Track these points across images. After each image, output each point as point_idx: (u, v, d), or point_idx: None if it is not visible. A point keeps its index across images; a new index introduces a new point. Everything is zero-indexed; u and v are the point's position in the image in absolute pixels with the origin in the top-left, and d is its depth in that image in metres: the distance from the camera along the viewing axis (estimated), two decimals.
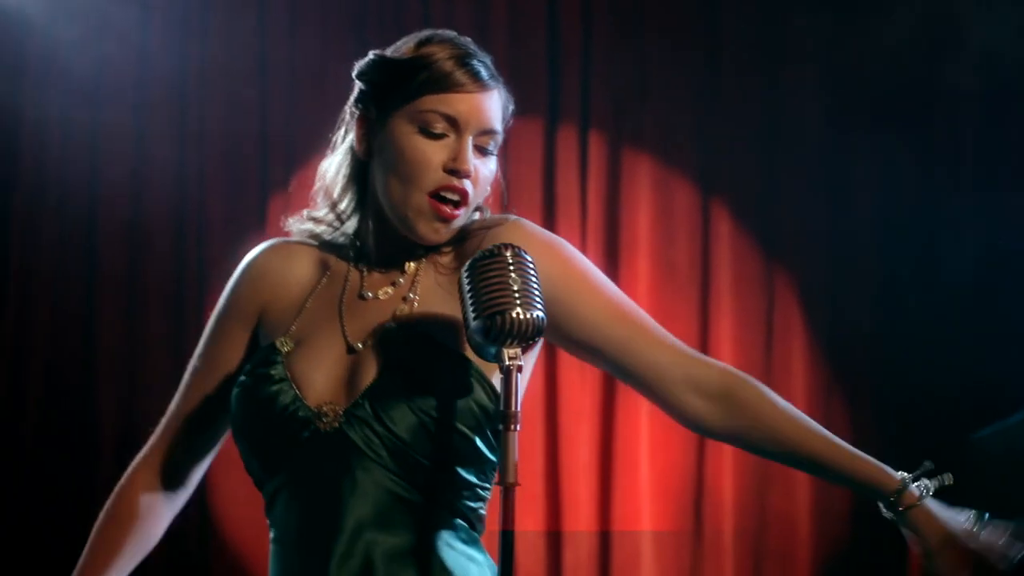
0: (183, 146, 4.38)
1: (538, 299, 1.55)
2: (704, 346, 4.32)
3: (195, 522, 4.28)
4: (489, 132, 1.77)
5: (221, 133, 4.40)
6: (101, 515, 1.97)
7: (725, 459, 4.30)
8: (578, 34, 4.40)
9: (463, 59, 1.76)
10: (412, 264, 1.80)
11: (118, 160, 4.36)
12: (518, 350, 1.53)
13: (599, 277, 1.85)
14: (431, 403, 1.66)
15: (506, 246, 1.58)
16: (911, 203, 4.36)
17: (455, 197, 1.74)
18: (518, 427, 1.51)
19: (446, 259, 1.81)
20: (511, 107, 1.85)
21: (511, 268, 1.56)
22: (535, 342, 1.57)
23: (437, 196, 1.73)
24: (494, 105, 1.78)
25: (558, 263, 1.78)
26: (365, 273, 1.82)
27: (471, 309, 1.55)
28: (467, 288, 1.57)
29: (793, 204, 4.39)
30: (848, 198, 4.39)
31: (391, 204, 1.76)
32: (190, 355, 4.54)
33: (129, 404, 4.33)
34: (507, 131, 1.86)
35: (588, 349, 1.82)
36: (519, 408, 1.52)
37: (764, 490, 4.33)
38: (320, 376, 1.74)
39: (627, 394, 4.25)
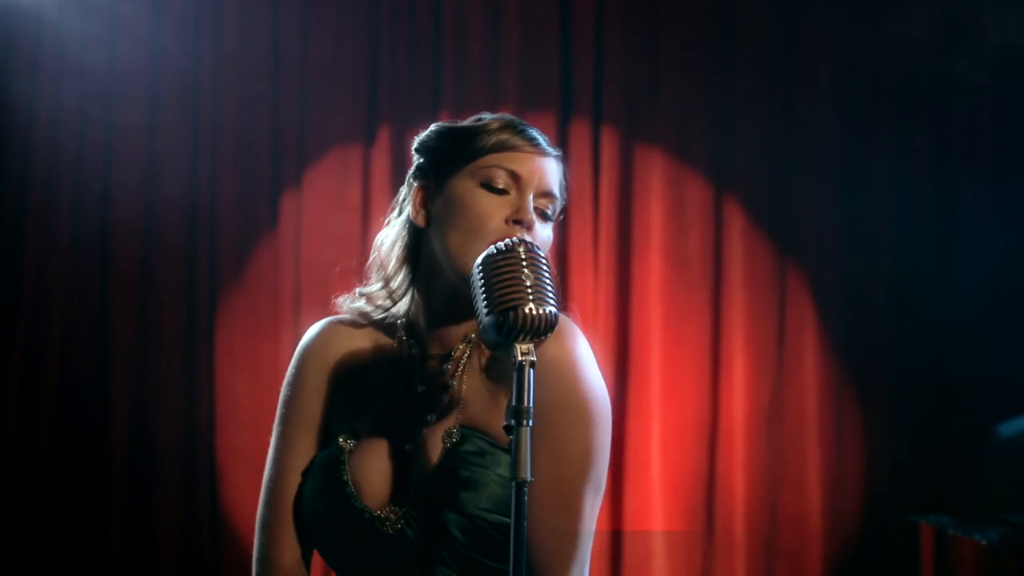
0: (196, 144, 4.39)
1: (551, 295, 1.54)
2: (716, 342, 4.32)
3: (206, 515, 4.33)
4: (548, 195, 1.78)
5: (233, 131, 4.39)
6: None
7: (736, 458, 4.27)
8: (591, 29, 4.36)
9: (524, 127, 1.80)
10: (461, 346, 1.79)
11: (131, 160, 4.37)
12: (530, 345, 1.52)
13: (586, 432, 1.70)
14: (481, 501, 1.67)
15: (519, 242, 1.57)
16: (925, 200, 4.33)
17: None
18: (531, 423, 1.50)
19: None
20: (566, 183, 1.86)
21: (524, 264, 1.54)
22: (547, 338, 1.54)
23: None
24: (553, 170, 1.80)
25: (560, 390, 1.69)
26: (418, 361, 1.81)
27: (483, 305, 1.54)
28: (480, 284, 1.56)
29: (806, 200, 4.36)
30: (862, 194, 4.35)
31: (451, 259, 1.74)
32: (202, 353, 4.56)
33: (141, 402, 4.36)
34: (564, 208, 1.87)
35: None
36: (532, 404, 1.50)
37: (776, 490, 4.31)
38: (379, 478, 1.75)
39: (639, 393, 4.25)
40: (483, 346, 1.74)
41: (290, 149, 4.40)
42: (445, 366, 1.78)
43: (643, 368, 4.26)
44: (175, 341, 4.39)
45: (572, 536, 1.68)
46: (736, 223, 4.36)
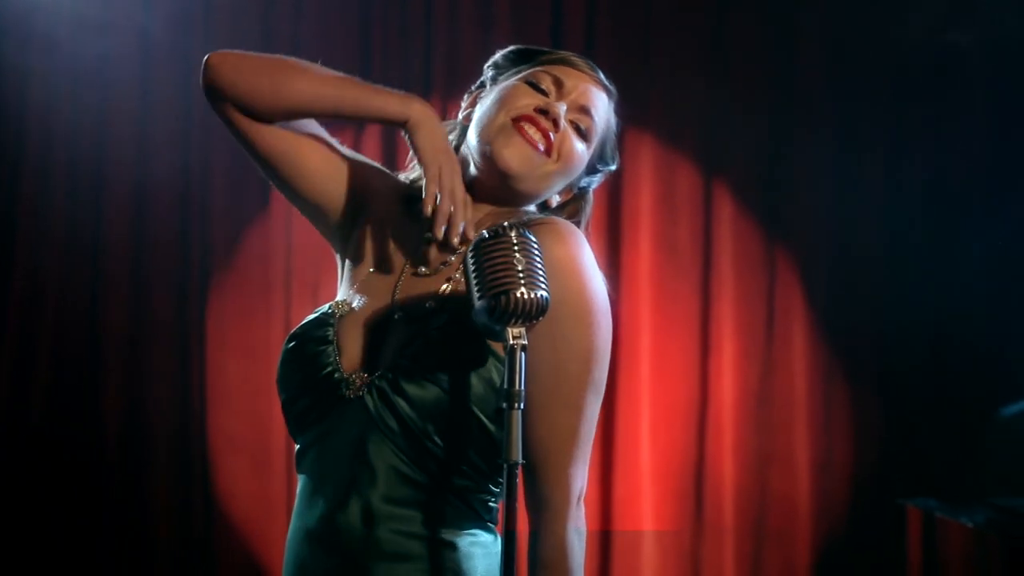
0: (187, 138, 4.43)
1: (542, 279, 1.55)
2: (706, 326, 4.37)
3: (200, 497, 4.39)
4: (586, 111, 1.83)
5: (224, 125, 4.42)
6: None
7: (725, 442, 4.33)
8: (582, 16, 4.41)
9: (588, 60, 1.89)
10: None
11: (123, 152, 4.41)
12: (522, 329, 1.54)
13: (586, 334, 1.72)
14: (449, 383, 1.67)
15: (511, 226, 1.58)
16: (916, 186, 4.37)
17: (536, 133, 1.77)
18: (522, 405, 1.52)
19: None
20: (614, 159, 1.95)
21: (515, 249, 1.56)
22: (538, 321, 1.56)
23: (521, 122, 1.78)
24: (599, 97, 1.87)
25: (563, 290, 1.68)
26: (426, 247, 1.82)
27: (476, 289, 1.56)
28: (472, 268, 1.57)
29: (796, 186, 4.41)
30: (852, 180, 4.39)
31: (478, 137, 1.81)
32: (194, 341, 4.46)
33: (134, 385, 4.41)
34: (599, 183, 1.95)
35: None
36: (523, 387, 1.53)
37: (764, 473, 4.36)
38: (360, 344, 1.77)
39: (629, 377, 4.30)
40: None
41: None
42: (451, 256, 1.80)
43: (633, 352, 4.31)
44: (167, 325, 4.44)
45: (572, 433, 1.70)
46: (726, 209, 4.41)
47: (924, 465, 4.24)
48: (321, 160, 1.89)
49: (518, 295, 1.52)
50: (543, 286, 1.54)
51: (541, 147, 1.78)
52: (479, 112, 1.85)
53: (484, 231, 1.59)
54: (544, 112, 1.79)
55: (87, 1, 4.38)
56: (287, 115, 1.84)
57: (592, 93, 1.86)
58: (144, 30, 4.42)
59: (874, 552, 4.20)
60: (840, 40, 4.41)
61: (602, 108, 1.88)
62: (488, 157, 1.78)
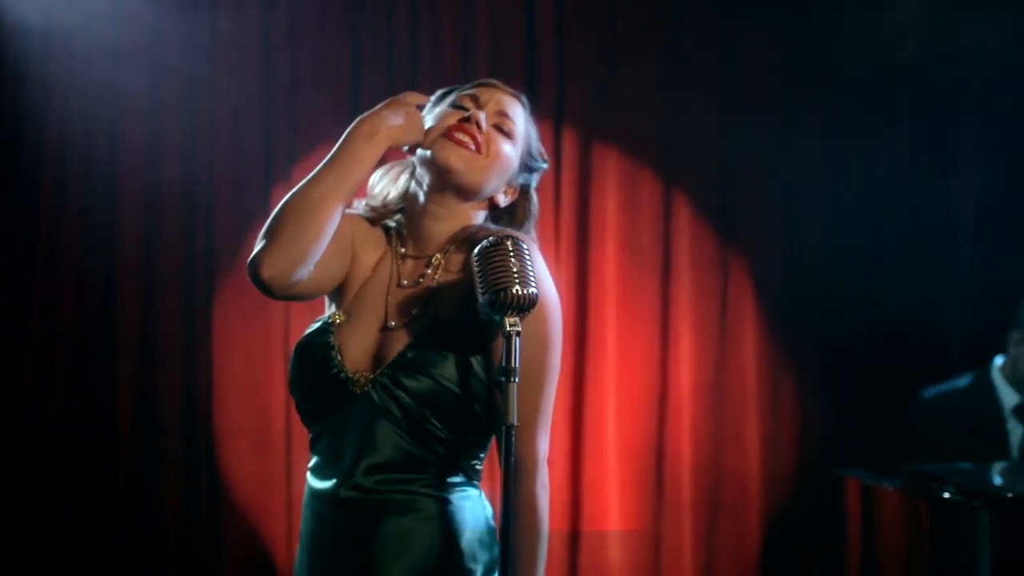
0: (194, 143, 4.53)
1: (532, 279, 1.86)
2: (665, 321, 4.55)
3: (205, 478, 4.51)
4: (503, 114, 2.13)
5: (228, 130, 4.54)
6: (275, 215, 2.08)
7: (683, 424, 4.53)
8: (553, 42, 4.58)
9: (494, 80, 2.19)
10: (438, 256, 2.12)
11: (135, 159, 4.50)
12: (516, 318, 1.86)
13: (542, 328, 2.00)
14: (441, 373, 1.99)
15: (507, 237, 1.90)
16: (854, 194, 4.62)
17: (465, 137, 2.07)
18: (516, 379, 1.85)
19: (462, 256, 2.10)
20: (543, 160, 2.22)
21: (511, 254, 1.88)
22: (530, 312, 1.87)
23: (452, 131, 2.08)
24: (514, 104, 2.17)
25: None
26: (402, 263, 2.14)
27: (480, 286, 1.87)
28: (476, 270, 1.89)
29: (746, 194, 4.63)
30: (796, 189, 4.62)
31: (423, 156, 2.10)
32: (201, 330, 4.52)
33: (144, 379, 4.51)
34: (536, 179, 2.22)
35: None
36: (518, 365, 1.85)
37: (719, 452, 4.58)
38: (359, 348, 2.07)
39: (596, 367, 4.49)
40: (453, 258, 2.10)
41: (281, 146, 4.55)
42: (427, 269, 2.12)
43: (599, 344, 4.48)
44: (176, 321, 4.52)
45: (536, 407, 2.03)
46: (683, 214, 4.61)
47: (859, 442, 4.45)
48: (331, 261, 2.10)
49: (514, 291, 1.85)
50: (533, 284, 1.87)
51: (472, 147, 2.08)
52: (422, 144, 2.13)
53: (486, 240, 1.92)
54: (467, 120, 2.09)
55: (101, 20, 4.45)
56: (325, 231, 2.00)
57: (506, 101, 2.16)
58: (154, 47, 4.49)
59: (817, 519, 4.39)
60: (784, 67, 4.63)
61: (519, 113, 2.17)
62: (431, 162, 2.08)
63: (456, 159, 2.07)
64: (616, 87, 4.63)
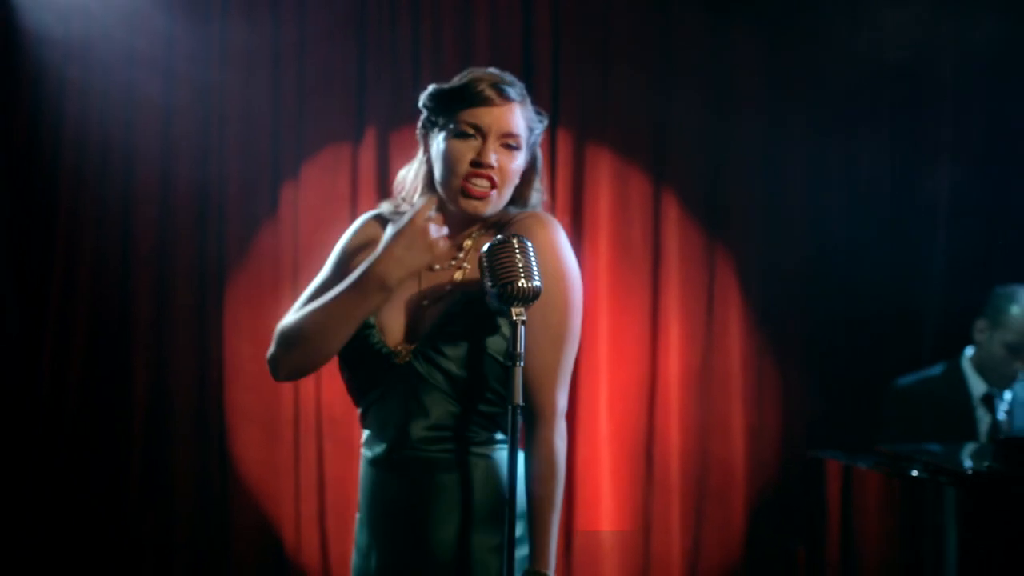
0: (206, 144, 4.63)
1: (536, 273, 2.05)
2: (655, 313, 4.65)
3: (216, 462, 4.62)
4: (508, 135, 2.23)
5: (238, 133, 4.65)
6: (285, 328, 2.29)
7: (672, 412, 4.63)
8: (549, 49, 4.67)
9: (491, 83, 2.24)
10: (468, 242, 2.31)
11: (150, 158, 4.60)
12: (522, 308, 2.05)
13: (563, 294, 2.20)
14: (474, 340, 2.18)
15: (514, 236, 2.09)
16: (836, 192, 4.71)
17: (482, 183, 2.21)
18: (521, 363, 2.04)
19: (489, 237, 2.25)
20: (539, 127, 2.31)
21: (517, 251, 2.06)
22: (534, 303, 2.05)
23: (467, 179, 2.21)
24: (515, 117, 2.25)
25: (547, 263, 2.16)
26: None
27: (488, 280, 2.06)
28: (486, 265, 2.08)
29: (732, 193, 4.72)
30: (780, 187, 4.72)
31: (442, 190, 2.26)
32: (212, 323, 4.65)
33: (160, 364, 4.61)
34: (540, 138, 2.32)
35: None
36: (523, 350, 2.04)
37: (706, 439, 4.67)
38: (397, 324, 2.27)
39: (588, 357, 4.56)
40: (482, 243, 2.25)
41: (289, 147, 4.65)
42: (459, 253, 2.31)
43: (592, 336, 4.56)
44: (189, 312, 4.62)
45: (556, 365, 2.22)
46: (672, 212, 4.70)
47: (839, 428, 4.54)
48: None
49: (519, 284, 2.04)
50: (537, 278, 2.05)
51: (491, 191, 2.22)
52: (435, 163, 2.27)
53: (495, 238, 2.10)
54: (479, 164, 2.20)
55: (117, 28, 4.55)
56: (332, 354, 2.24)
57: (506, 117, 2.24)
58: (167, 54, 4.58)
59: (798, 501, 4.44)
60: (771, 71, 4.72)
61: (517, 115, 2.25)
62: (458, 207, 2.23)
63: (479, 207, 2.24)
64: (609, 92, 4.71)
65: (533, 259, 2.08)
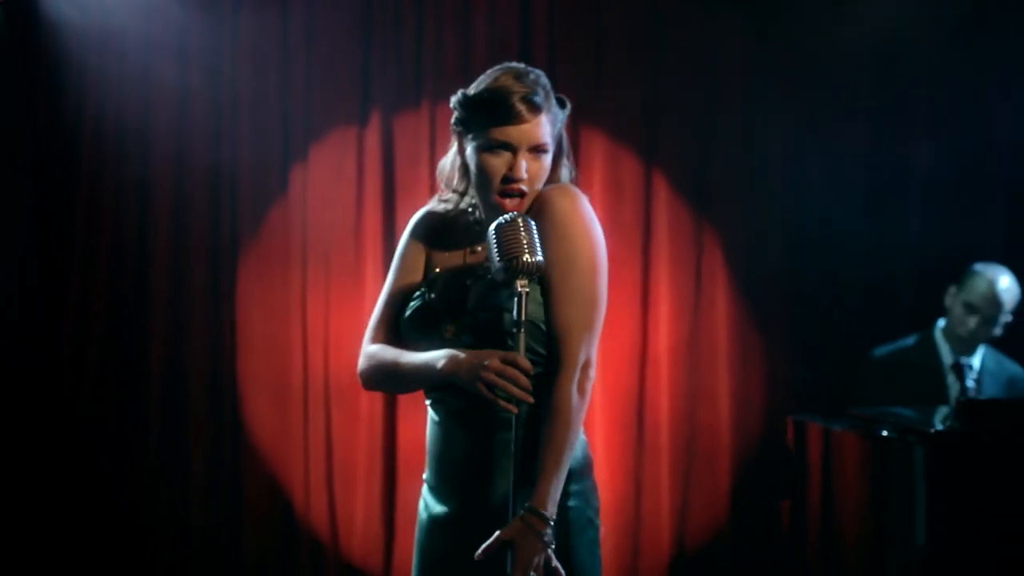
0: (219, 128, 4.73)
1: (539, 248, 2.18)
2: (646, 288, 4.77)
3: (229, 430, 4.74)
4: (535, 147, 2.33)
5: (249, 117, 4.76)
6: (377, 361, 2.48)
7: (662, 380, 4.75)
8: (545, 39, 4.79)
9: (520, 96, 2.31)
10: None
11: (166, 142, 4.72)
12: (526, 281, 2.18)
13: (586, 257, 2.31)
14: (510, 310, 2.26)
15: (518, 215, 2.22)
16: (815, 171, 4.83)
17: (515, 195, 2.33)
18: (524, 330, 2.19)
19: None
20: (563, 116, 2.39)
21: (522, 228, 2.19)
22: (537, 276, 2.20)
23: (502, 195, 2.34)
24: (542, 127, 2.33)
25: (554, 238, 2.28)
26: (479, 231, 2.43)
27: (495, 254, 2.19)
28: (493, 241, 2.20)
29: (718, 172, 4.84)
30: (762, 167, 4.84)
31: (478, 195, 2.41)
32: (226, 299, 4.80)
33: (175, 336, 4.73)
34: (565, 123, 2.41)
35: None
36: (525, 317, 2.18)
37: (694, 406, 4.78)
38: (447, 301, 2.40)
39: None
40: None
41: (298, 130, 4.76)
42: None
43: None
44: (203, 286, 4.72)
45: (577, 319, 2.31)
46: (662, 192, 4.81)
47: (819, 396, 4.65)
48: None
49: (524, 259, 2.18)
50: (540, 254, 2.19)
51: (523, 199, 2.34)
52: (469, 165, 2.39)
53: (501, 218, 2.23)
54: (510, 180, 2.31)
55: (133, 17, 4.65)
56: (414, 390, 2.49)
57: (535, 132, 2.32)
58: (181, 42, 4.66)
59: (781, 472, 4.44)
60: (756, 58, 4.83)
61: (544, 122, 2.33)
62: (495, 211, 2.34)
63: (515, 209, 2.34)
64: (602, 77, 4.81)
65: (536, 236, 2.20)
